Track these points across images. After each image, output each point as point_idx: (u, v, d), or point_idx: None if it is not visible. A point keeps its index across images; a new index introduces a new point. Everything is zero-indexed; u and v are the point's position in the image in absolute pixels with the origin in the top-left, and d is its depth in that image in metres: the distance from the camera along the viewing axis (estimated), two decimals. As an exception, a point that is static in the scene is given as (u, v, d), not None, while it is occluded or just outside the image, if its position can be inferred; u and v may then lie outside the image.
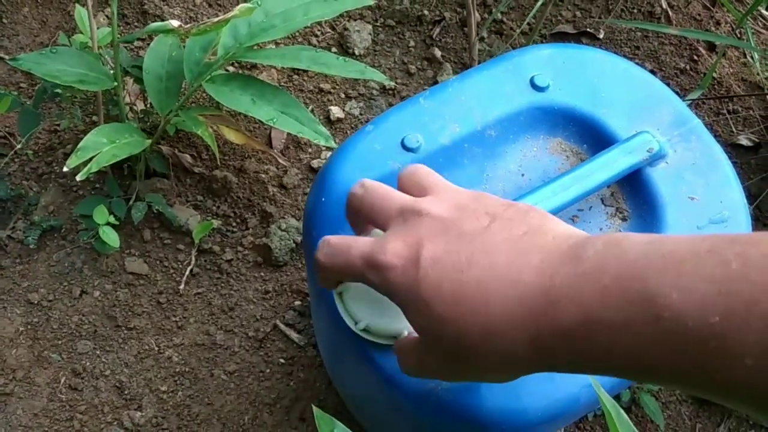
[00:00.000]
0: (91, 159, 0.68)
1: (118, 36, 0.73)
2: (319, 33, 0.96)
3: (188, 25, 0.67)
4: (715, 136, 0.97)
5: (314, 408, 0.42)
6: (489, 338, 0.28)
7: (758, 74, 1.00)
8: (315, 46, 0.94)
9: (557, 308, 0.27)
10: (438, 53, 0.96)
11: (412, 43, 0.97)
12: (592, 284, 0.26)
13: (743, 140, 0.94)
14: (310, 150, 0.90)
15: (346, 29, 0.95)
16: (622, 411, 0.37)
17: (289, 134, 0.89)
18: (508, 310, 0.28)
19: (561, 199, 0.44)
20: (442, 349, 0.31)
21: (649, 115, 0.50)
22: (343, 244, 0.35)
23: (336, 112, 0.91)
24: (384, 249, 0.32)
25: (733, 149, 0.94)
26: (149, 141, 0.74)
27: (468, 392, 0.41)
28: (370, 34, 0.96)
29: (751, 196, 0.90)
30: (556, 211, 0.44)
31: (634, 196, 0.48)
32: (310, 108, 0.92)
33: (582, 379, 0.41)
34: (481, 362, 0.29)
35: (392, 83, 0.94)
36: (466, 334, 0.29)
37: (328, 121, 0.91)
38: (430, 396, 0.42)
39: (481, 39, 0.98)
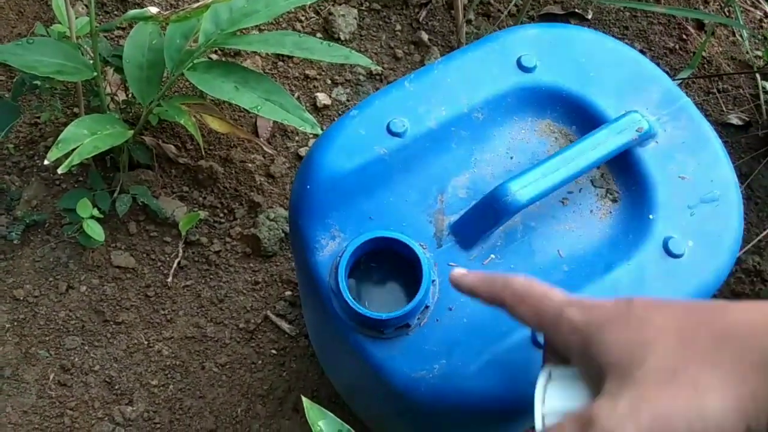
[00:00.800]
0: (72, 151, 0.67)
1: (97, 25, 0.71)
2: (303, 18, 0.95)
3: (167, 12, 0.65)
4: (706, 116, 0.96)
5: (304, 399, 0.41)
6: (722, 343, 0.26)
7: (747, 52, 0.99)
8: (300, 31, 0.93)
9: None
10: (425, 37, 0.95)
11: (398, 27, 0.96)
12: None
13: (733, 119, 0.94)
14: (297, 138, 0.88)
15: (331, 14, 0.94)
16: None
17: (275, 122, 0.88)
18: (749, 322, 0.26)
19: (550, 181, 0.43)
20: (649, 370, 0.26)
21: (638, 95, 0.49)
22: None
23: (322, 98, 0.90)
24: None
25: (723, 128, 0.94)
26: (131, 132, 0.73)
27: (460, 378, 0.41)
28: (355, 18, 0.95)
29: (741, 175, 0.90)
30: (545, 194, 0.43)
31: (625, 176, 0.48)
32: (296, 95, 0.90)
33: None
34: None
35: (378, 68, 0.93)
36: (691, 339, 0.26)
37: (315, 108, 0.90)
38: (422, 383, 0.42)
39: (469, 21, 0.96)
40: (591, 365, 0.28)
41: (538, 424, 0.30)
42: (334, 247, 0.46)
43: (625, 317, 0.28)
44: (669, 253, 0.44)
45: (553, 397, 0.30)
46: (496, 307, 0.34)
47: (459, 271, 0.36)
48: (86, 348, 0.76)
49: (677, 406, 0.25)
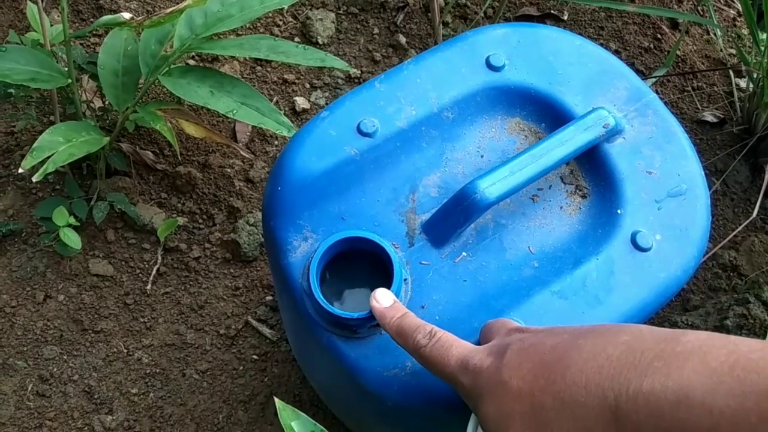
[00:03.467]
0: (47, 159, 0.66)
1: (71, 32, 0.71)
2: (281, 23, 0.95)
3: (140, 17, 0.65)
4: (681, 114, 0.97)
5: (276, 400, 0.41)
6: (563, 408, 0.28)
7: (721, 50, 1.01)
8: (277, 36, 0.93)
9: (643, 378, 0.26)
10: (403, 40, 0.95)
11: (376, 31, 0.96)
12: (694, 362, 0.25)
13: (708, 116, 0.95)
14: (276, 143, 0.88)
15: (308, 18, 0.94)
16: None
17: (254, 127, 0.88)
18: (584, 379, 0.28)
19: (519, 178, 0.44)
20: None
21: (605, 91, 0.50)
22: (446, 342, 0.36)
23: (301, 102, 0.90)
24: (477, 352, 0.34)
25: (698, 126, 0.95)
26: (107, 138, 0.72)
27: (431, 375, 0.41)
28: (333, 22, 0.95)
29: (717, 172, 0.91)
30: (515, 191, 0.44)
31: (593, 172, 0.48)
32: (275, 100, 0.90)
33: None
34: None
35: (355, 70, 0.93)
36: (540, 406, 0.29)
37: (294, 113, 0.90)
38: (394, 381, 0.42)
39: (445, 24, 0.97)
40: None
41: None
42: (306, 248, 0.46)
43: (494, 386, 0.31)
44: (637, 247, 0.45)
45: None
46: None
47: (381, 307, 0.39)
48: (65, 357, 0.75)
49: None
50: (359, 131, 0.48)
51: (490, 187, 0.43)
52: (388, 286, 0.42)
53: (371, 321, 0.42)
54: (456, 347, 0.35)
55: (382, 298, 0.39)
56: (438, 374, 0.36)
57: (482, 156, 0.49)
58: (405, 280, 0.44)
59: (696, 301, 0.83)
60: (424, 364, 0.37)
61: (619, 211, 0.46)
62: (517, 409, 0.30)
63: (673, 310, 0.84)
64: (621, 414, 0.26)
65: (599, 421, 0.27)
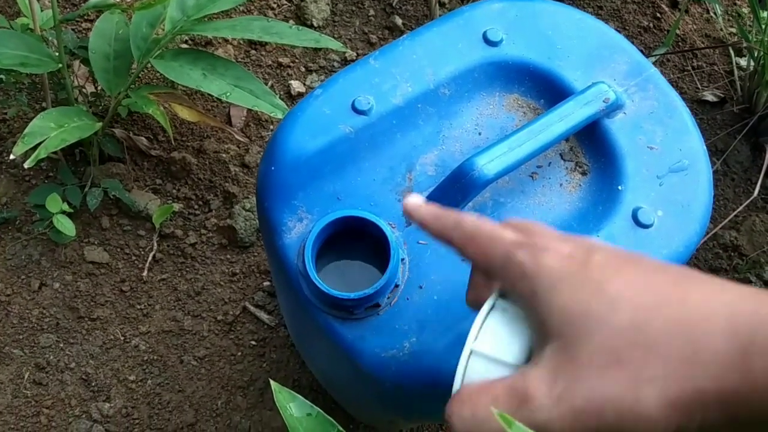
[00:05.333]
0: (39, 145, 0.65)
1: (61, 16, 0.70)
2: (275, 5, 0.93)
3: (130, -1, 0.64)
4: (681, 93, 0.96)
5: (272, 383, 0.40)
6: (676, 332, 0.23)
7: (721, 29, 0.99)
8: (271, 18, 0.91)
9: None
10: (399, 21, 0.94)
11: (371, 12, 0.95)
12: None
13: (708, 96, 0.94)
14: (271, 127, 0.87)
15: (303, 0, 0.93)
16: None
17: (249, 112, 0.86)
18: (711, 309, 0.23)
19: (517, 155, 0.43)
20: (594, 348, 0.24)
21: (605, 66, 0.49)
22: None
23: (296, 86, 0.89)
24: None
25: (698, 105, 0.94)
26: (100, 124, 0.71)
27: (429, 355, 0.40)
28: (328, 4, 0.93)
29: (718, 151, 0.90)
30: (513, 167, 0.43)
31: (593, 149, 0.47)
32: (270, 83, 0.89)
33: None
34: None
35: (350, 52, 0.92)
36: (644, 322, 0.23)
37: (289, 96, 0.89)
38: (392, 361, 0.41)
39: (442, 5, 0.96)
40: (535, 320, 0.26)
41: (462, 363, 0.27)
42: (301, 229, 0.45)
43: (579, 279, 0.25)
44: (638, 223, 0.44)
45: (487, 335, 0.27)
46: (447, 246, 0.30)
47: (413, 201, 0.32)
48: (61, 345, 0.75)
49: (612, 394, 0.23)
50: (354, 109, 0.47)
51: (489, 164, 0.42)
52: (385, 266, 0.42)
53: (368, 301, 0.42)
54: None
55: (412, 197, 0.32)
56: (479, 250, 0.28)
57: (480, 133, 0.48)
58: (402, 260, 0.43)
59: (697, 282, 0.83)
60: (465, 240, 0.29)
61: (619, 188, 0.45)
62: (612, 316, 0.24)
63: (674, 291, 0.84)
64: (754, 350, 0.22)
65: (720, 353, 0.22)
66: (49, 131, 0.67)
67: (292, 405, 0.39)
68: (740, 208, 0.83)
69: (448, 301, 0.43)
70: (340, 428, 0.38)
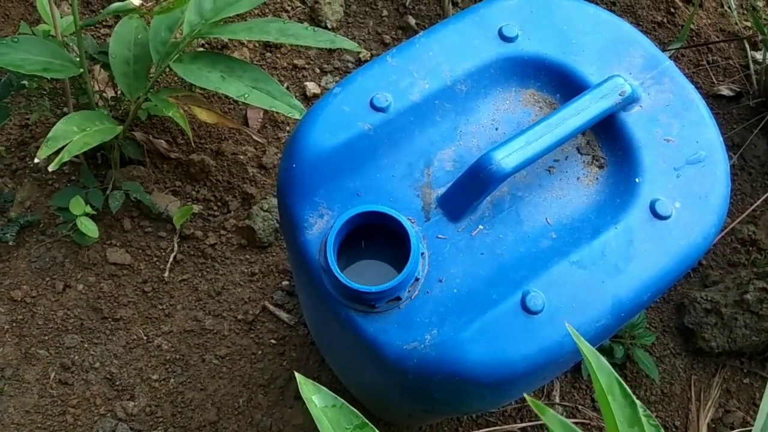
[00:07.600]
0: (62, 149, 0.67)
1: (81, 22, 0.71)
2: (289, 8, 0.94)
3: (149, 3, 0.65)
4: (696, 88, 0.96)
5: (297, 375, 0.41)
6: None
7: (736, 23, 0.99)
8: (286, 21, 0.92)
9: None
10: (412, 21, 0.95)
11: (385, 13, 0.95)
12: None
13: (724, 90, 0.93)
14: (288, 128, 0.88)
15: (317, 2, 0.94)
16: (601, 357, 0.36)
17: (266, 113, 0.88)
18: None
19: (534, 149, 0.43)
20: None
21: (620, 60, 0.49)
22: None
23: (312, 87, 0.90)
24: None
25: (714, 100, 0.93)
26: (121, 127, 0.73)
27: (451, 347, 0.41)
28: (341, 5, 0.94)
29: (734, 146, 0.90)
30: (531, 161, 0.43)
31: (610, 142, 0.47)
32: (285, 85, 0.90)
33: (564, 327, 0.40)
34: None
35: (365, 52, 0.92)
36: None
37: (305, 98, 0.90)
38: (414, 354, 0.42)
39: (455, 4, 0.96)
40: None
41: None
42: (322, 225, 0.46)
43: None
44: (656, 215, 0.44)
45: None
46: None
47: None
48: (86, 345, 0.76)
49: None
50: (372, 106, 0.47)
51: (506, 158, 0.42)
52: (405, 261, 0.42)
53: (389, 295, 0.42)
54: None
55: None
56: None
57: (497, 128, 0.48)
58: (422, 254, 0.44)
59: (715, 277, 0.82)
60: None
61: (637, 180, 0.45)
62: None
63: (692, 285, 0.84)
64: None
65: None
66: (72, 135, 0.69)
67: (316, 397, 0.40)
68: (758, 202, 0.83)
69: (468, 293, 0.43)
70: (364, 419, 0.39)
